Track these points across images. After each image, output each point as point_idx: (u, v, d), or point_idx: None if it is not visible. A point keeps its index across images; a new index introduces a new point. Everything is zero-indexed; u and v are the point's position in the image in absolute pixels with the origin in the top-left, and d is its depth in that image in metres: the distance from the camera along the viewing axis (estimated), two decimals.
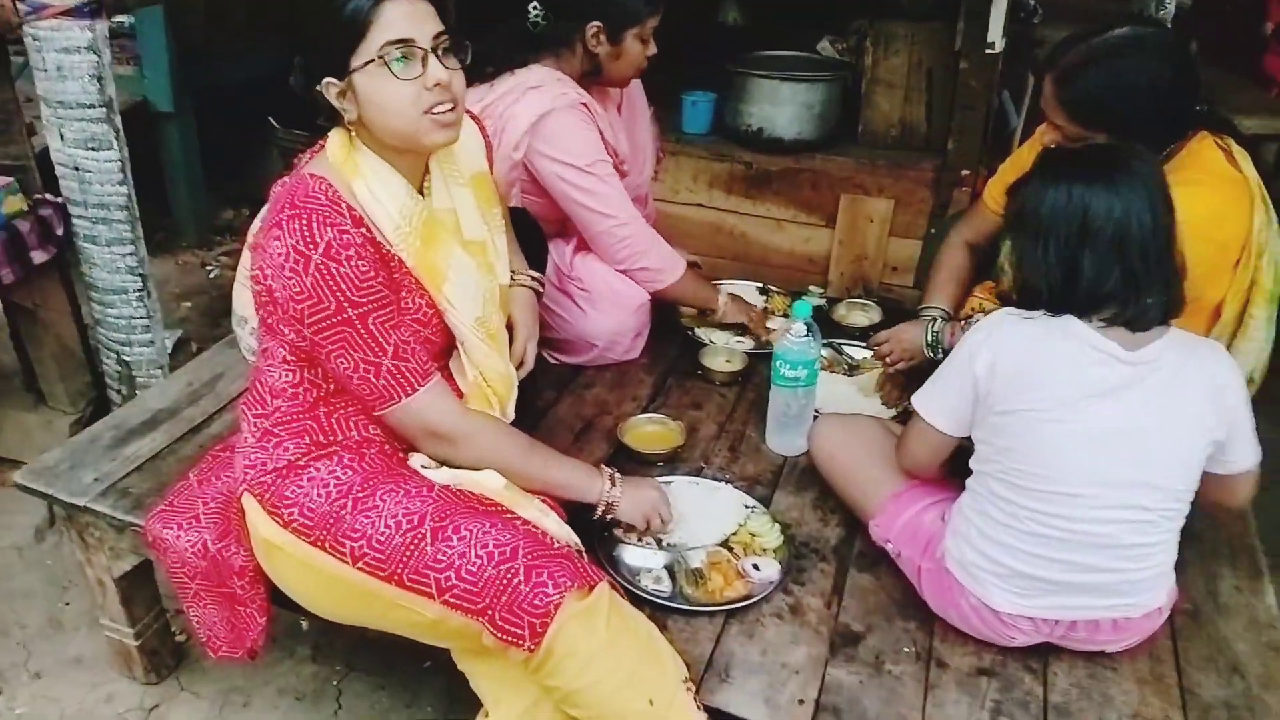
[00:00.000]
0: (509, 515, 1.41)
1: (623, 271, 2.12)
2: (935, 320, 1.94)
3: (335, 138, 1.43)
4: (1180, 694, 1.45)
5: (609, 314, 2.14)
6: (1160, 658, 1.51)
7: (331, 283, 1.32)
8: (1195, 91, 1.65)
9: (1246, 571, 1.68)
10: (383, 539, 1.34)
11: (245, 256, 1.61)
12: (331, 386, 1.46)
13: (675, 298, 2.23)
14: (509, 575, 1.28)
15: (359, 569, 1.35)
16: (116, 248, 2.30)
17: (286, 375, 1.46)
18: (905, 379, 2.01)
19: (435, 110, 1.36)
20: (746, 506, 1.77)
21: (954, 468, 1.54)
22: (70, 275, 2.44)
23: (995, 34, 2.66)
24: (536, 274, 1.83)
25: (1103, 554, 1.40)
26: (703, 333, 2.32)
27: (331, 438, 1.47)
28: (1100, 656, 1.50)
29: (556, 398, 2.09)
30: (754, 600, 1.57)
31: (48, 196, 2.29)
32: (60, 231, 2.28)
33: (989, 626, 1.50)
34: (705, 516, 1.73)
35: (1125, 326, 1.37)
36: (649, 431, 1.96)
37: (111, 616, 1.88)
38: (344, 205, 1.36)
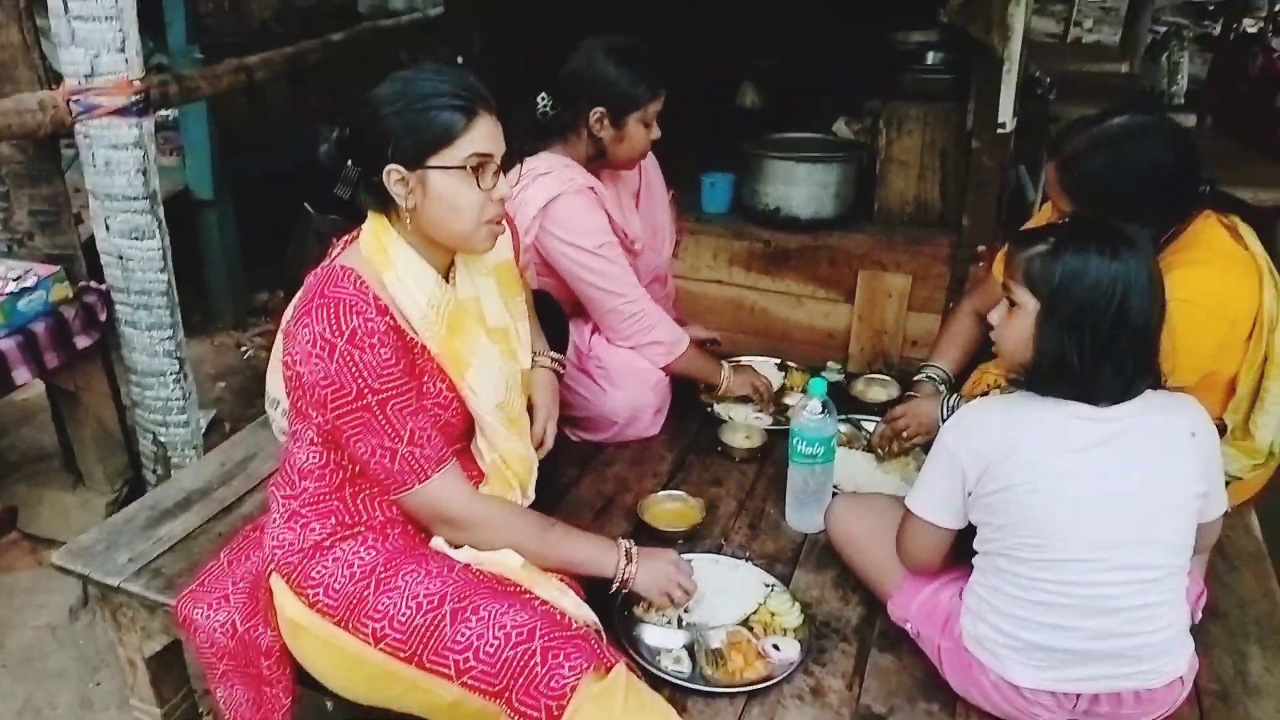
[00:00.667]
0: (527, 595, 1.43)
1: (632, 348, 2.17)
2: (950, 395, 1.97)
3: (371, 227, 1.49)
4: None
5: (628, 391, 2.18)
6: None
7: (354, 368, 1.38)
8: (1197, 173, 1.69)
9: (1275, 651, 1.66)
10: (404, 620, 1.37)
11: (279, 340, 1.67)
12: (357, 468, 1.51)
13: (680, 371, 2.27)
14: (526, 656, 1.30)
15: (381, 649, 1.38)
16: (155, 332, 2.39)
17: (314, 457, 1.51)
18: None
19: (493, 221, 1.46)
20: (766, 585, 1.77)
21: (961, 546, 1.55)
22: (110, 359, 2.53)
23: (1005, 114, 2.72)
24: (557, 355, 1.88)
25: (1111, 618, 1.40)
26: (722, 409, 2.35)
27: (357, 518, 1.51)
28: None
29: (578, 475, 2.12)
30: (774, 681, 1.57)
31: (92, 284, 2.39)
32: (103, 318, 2.38)
33: (1011, 704, 1.49)
34: (725, 595, 1.74)
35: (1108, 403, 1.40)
36: (669, 509, 1.98)
37: (141, 697, 1.90)
38: (371, 295, 1.42)
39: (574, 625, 1.41)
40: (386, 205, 1.47)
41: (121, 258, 2.32)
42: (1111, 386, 1.39)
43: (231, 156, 3.61)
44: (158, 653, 1.85)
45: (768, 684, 1.56)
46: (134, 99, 2.18)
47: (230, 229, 3.71)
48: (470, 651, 1.33)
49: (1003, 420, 1.44)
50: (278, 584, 1.51)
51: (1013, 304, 1.47)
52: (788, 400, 2.40)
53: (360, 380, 1.38)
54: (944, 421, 1.93)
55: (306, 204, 3.87)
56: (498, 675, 1.31)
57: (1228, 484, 1.68)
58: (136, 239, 2.30)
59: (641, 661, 1.58)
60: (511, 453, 1.63)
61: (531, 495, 1.68)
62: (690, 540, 1.91)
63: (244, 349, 3.76)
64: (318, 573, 1.46)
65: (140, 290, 2.35)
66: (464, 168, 1.41)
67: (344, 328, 1.37)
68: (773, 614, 1.70)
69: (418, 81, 1.41)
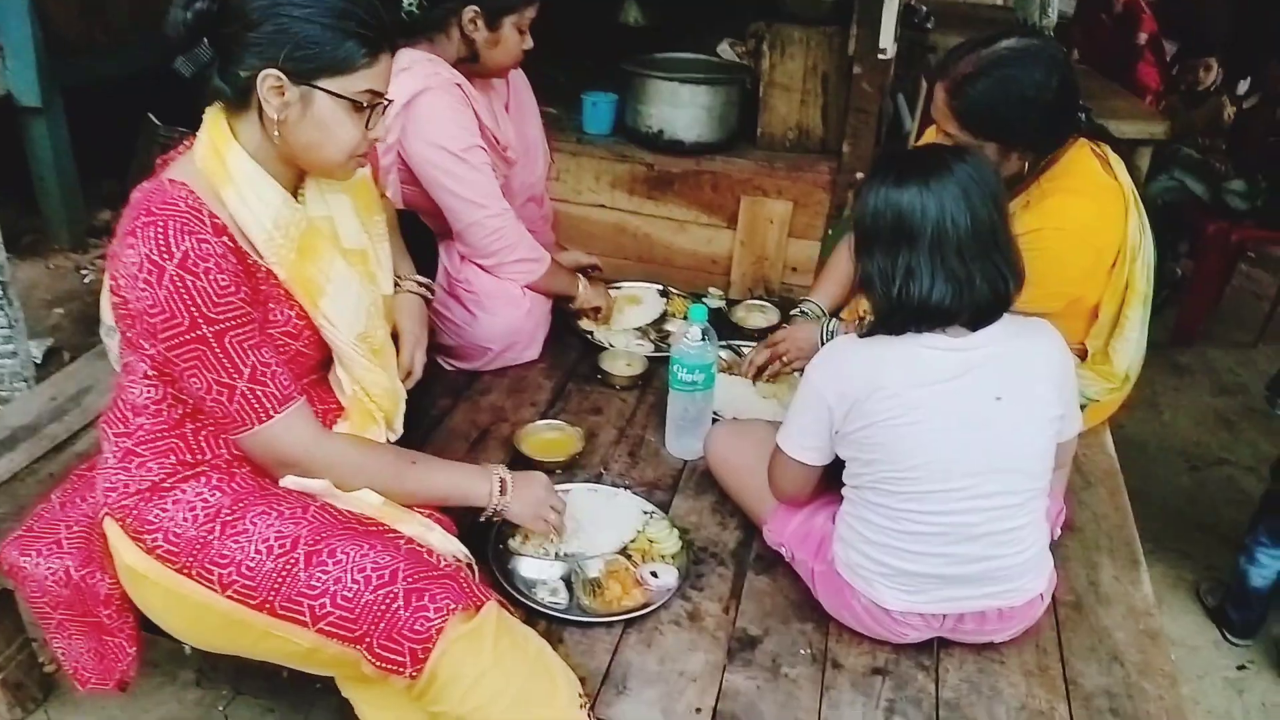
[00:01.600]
0: (390, 534, 1.35)
1: (494, 266, 2.08)
2: (829, 319, 1.96)
3: (209, 134, 1.33)
4: (1064, 684, 1.49)
5: (501, 316, 2.10)
6: (1045, 649, 1.55)
7: (186, 296, 1.24)
8: (1076, 101, 1.70)
9: (1125, 562, 1.75)
10: (253, 565, 1.27)
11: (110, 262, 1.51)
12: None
13: (541, 289, 2.19)
14: (388, 600, 1.23)
15: (229, 597, 1.28)
16: None
17: (149, 391, 1.37)
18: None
19: (360, 155, 1.38)
20: (645, 512, 1.75)
21: (833, 472, 1.55)
22: None
23: (886, 40, 2.70)
24: (424, 279, 1.77)
25: (977, 543, 1.44)
26: (602, 335, 2.30)
27: (199, 457, 1.39)
28: (989, 650, 1.54)
29: (451, 406, 2.03)
30: (652, 608, 1.55)
31: None
32: None
33: (882, 625, 1.52)
34: (603, 524, 1.70)
35: (960, 327, 1.40)
36: (547, 438, 1.92)
37: None
38: (205, 213, 1.28)
39: (441, 562, 1.35)
40: (238, 105, 1.31)
41: None
42: (949, 312, 1.38)
43: (64, 60, 3.25)
44: None
45: (645, 611, 1.54)
46: None
47: (62, 139, 3.36)
48: (326, 597, 1.24)
49: (866, 357, 1.43)
50: (112, 528, 1.38)
51: None
52: (669, 327, 2.36)
53: (194, 309, 1.24)
54: (823, 345, 1.93)
55: (150, 114, 3.54)
56: (356, 621, 1.24)
57: (1084, 406, 1.74)
58: None
59: (516, 595, 1.53)
60: (375, 385, 1.52)
61: (399, 429, 1.59)
62: (569, 470, 1.87)
63: (83, 272, 3.46)
64: (155, 516, 1.34)
65: None
66: (355, 101, 1.31)
67: (174, 249, 1.23)
68: (651, 541, 1.68)
69: None
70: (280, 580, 1.26)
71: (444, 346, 2.12)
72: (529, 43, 2.04)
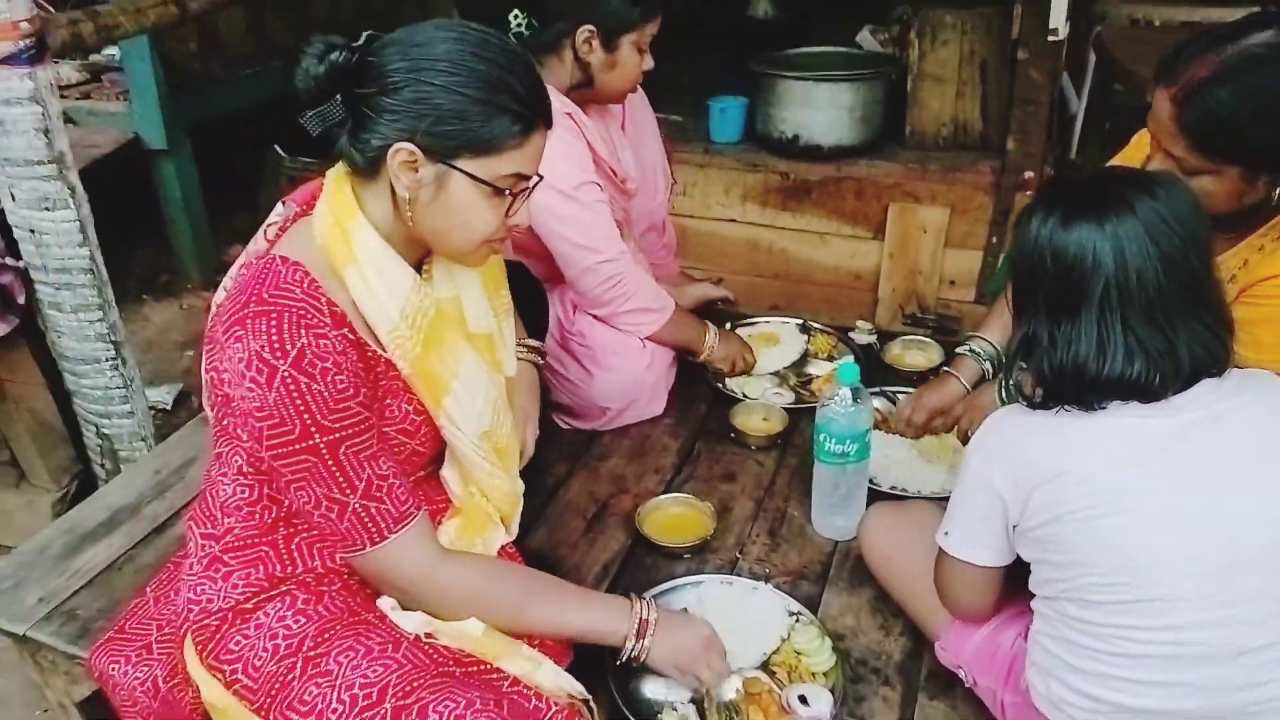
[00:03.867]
0: (490, 677, 1.15)
1: (608, 316, 1.85)
2: (1001, 382, 1.63)
3: (332, 202, 1.16)
4: None
5: (619, 373, 1.87)
6: None
7: (300, 401, 1.07)
8: None
9: None
10: (335, 718, 1.09)
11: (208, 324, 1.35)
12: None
13: (663, 341, 1.94)
14: None
15: None
16: (83, 314, 2.08)
17: (243, 491, 1.22)
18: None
19: (495, 242, 1.22)
20: (791, 614, 1.48)
21: (1019, 576, 1.24)
22: (44, 344, 2.24)
23: (1058, 19, 2.34)
24: (534, 342, 1.56)
25: (1227, 666, 1.09)
26: (736, 385, 2.03)
27: (288, 570, 1.22)
28: None
29: (568, 473, 1.82)
30: None
31: (7, 261, 2.08)
32: (22, 299, 2.08)
33: None
34: (740, 629, 1.45)
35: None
36: (673, 515, 1.68)
37: None
38: (324, 301, 1.11)
39: (552, 706, 1.13)
40: (367, 173, 1.15)
41: (34, 231, 2.00)
42: (1136, 388, 1.08)
43: (185, 98, 3.25)
44: (89, 697, 1.59)
45: None
46: (23, 44, 1.83)
47: (190, 178, 3.36)
48: None
49: (1042, 432, 1.13)
50: (191, 656, 1.23)
51: None
52: (812, 370, 2.07)
53: (306, 416, 1.08)
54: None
55: (276, 146, 3.51)
56: None
57: None
58: (47, 209, 1.97)
59: None
60: (493, 489, 1.34)
61: (515, 531, 1.39)
62: (698, 554, 1.62)
63: None
64: (236, 644, 1.18)
65: (59, 268, 2.04)
66: (497, 187, 1.14)
67: (288, 347, 1.06)
68: (799, 653, 1.42)
69: (485, 59, 1.11)
70: None
71: (559, 404, 1.92)
72: (649, 63, 1.82)
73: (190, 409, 2.81)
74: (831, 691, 1.35)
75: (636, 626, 1.26)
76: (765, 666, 1.40)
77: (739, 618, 1.47)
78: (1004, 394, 1.62)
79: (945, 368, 1.82)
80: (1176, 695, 1.12)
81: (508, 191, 1.16)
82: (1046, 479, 1.11)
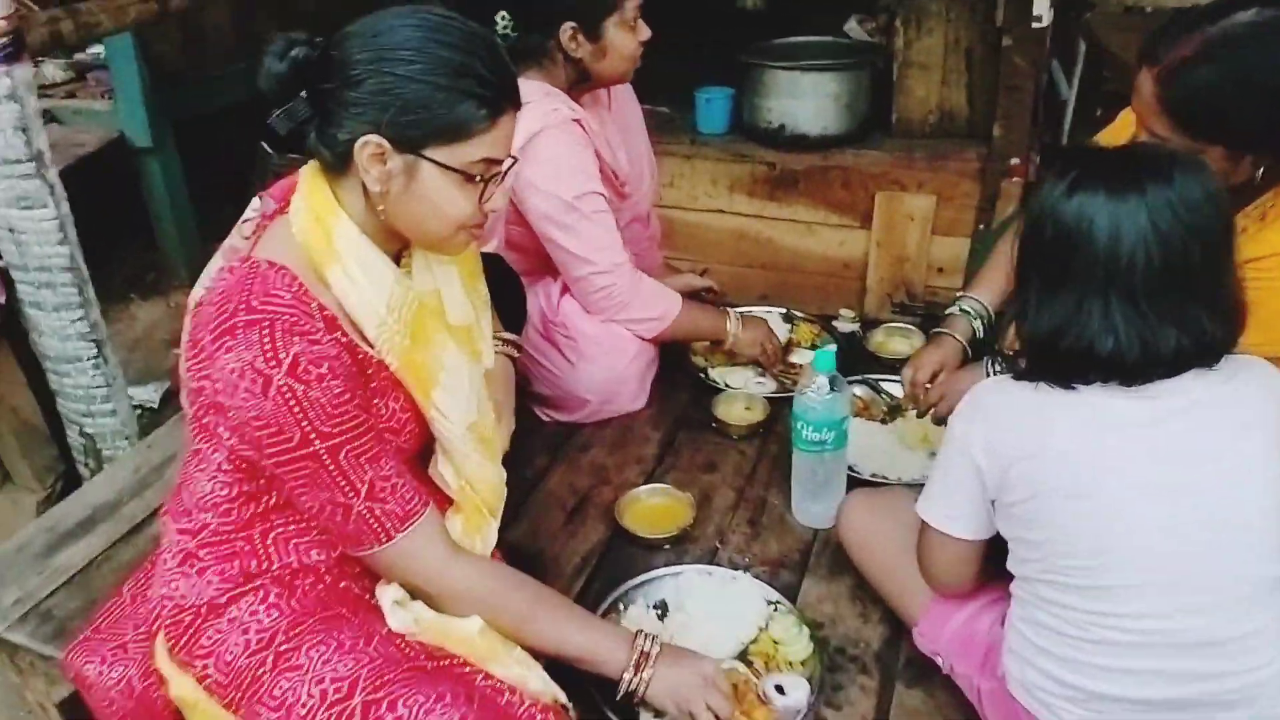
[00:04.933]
0: (465, 671, 1.14)
1: (606, 320, 1.84)
2: (990, 361, 1.62)
3: (309, 200, 1.15)
4: None
5: (601, 365, 1.85)
6: None
7: (297, 409, 1.06)
8: None
9: None
10: (304, 713, 1.08)
11: (186, 326, 1.34)
12: (273, 500, 1.21)
13: (677, 339, 1.93)
14: None
15: None
16: (64, 313, 2.08)
17: (222, 489, 1.21)
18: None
19: (472, 229, 1.20)
20: (769, 603, 1.48)
21: (1000, 563, 1.24)
22: (26, 344, 2.24)
23: (1041, 5, 2.33)
24: (511, 336, 1.56)
25: (1197, 655, 1.09)
26: (717, 374, 2.02)
27: (262, 566, 1.21)
28: None
29: (548, 465, 1.81)
30: None
31: None
32: (2, 299, 2.07)
33: None
34: (719, 618, 1.44)
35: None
36: (653, 506, 1.68)
37: None
38: (314, 305, 1.10)
39: (525, 701, 1.13)
40: (339, 169, 1.14)
41: (12, 230, 2.00)
42: (1116, 367, 1.06)
43: (170, 95, 3.24)
44: (68, 698, 1.59)
45: None
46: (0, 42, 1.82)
47: (176, 176, 3.35)
48: None
49: (1025, 405, 1.12)
50: (161, 650, 1.23)
51: None
52: (795, 359, 2.06)
53: (305, 424, 1.07)
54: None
55: (264, 143, 3.49)
56: None
57: None
58: (26, 208, 1.97)
59: (610, 716, 1.29)
60: (482, 481, 1.33)
61: (498, 520, 1.38)
62: (678, 545, 1.61)
63: None
64: (209, 639, 1.18)
65: (40, 267, 2.03)
66: (468, 174, 1.13)
67: (282, 356, 1.05)
68: (776, 643, 1.41)
69: (446, 44, 1.09)
70: None
71: (541, 396, 1.91)
72: (645, 33, 1.78)
73: (178, 406, 2.81)
74: (809, 680, 1.35)
75: (636, 658, 1.24)
76: (743, 656, 1.40)
77: (718, 608, 1.46)
78: (993, 367, 1.61)
79: (938, 329, 1.78)
80: (1150, 683, 1.11)
81: (479, 177, 1.15)
82: (1026, 454, 1.10)
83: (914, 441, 1.76)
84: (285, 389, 1.05)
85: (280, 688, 1.10)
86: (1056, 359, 1.09)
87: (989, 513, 1.18)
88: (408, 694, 1.06)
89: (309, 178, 1.17)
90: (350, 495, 1.12)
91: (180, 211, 3.41)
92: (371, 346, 1.17)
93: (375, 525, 1.14)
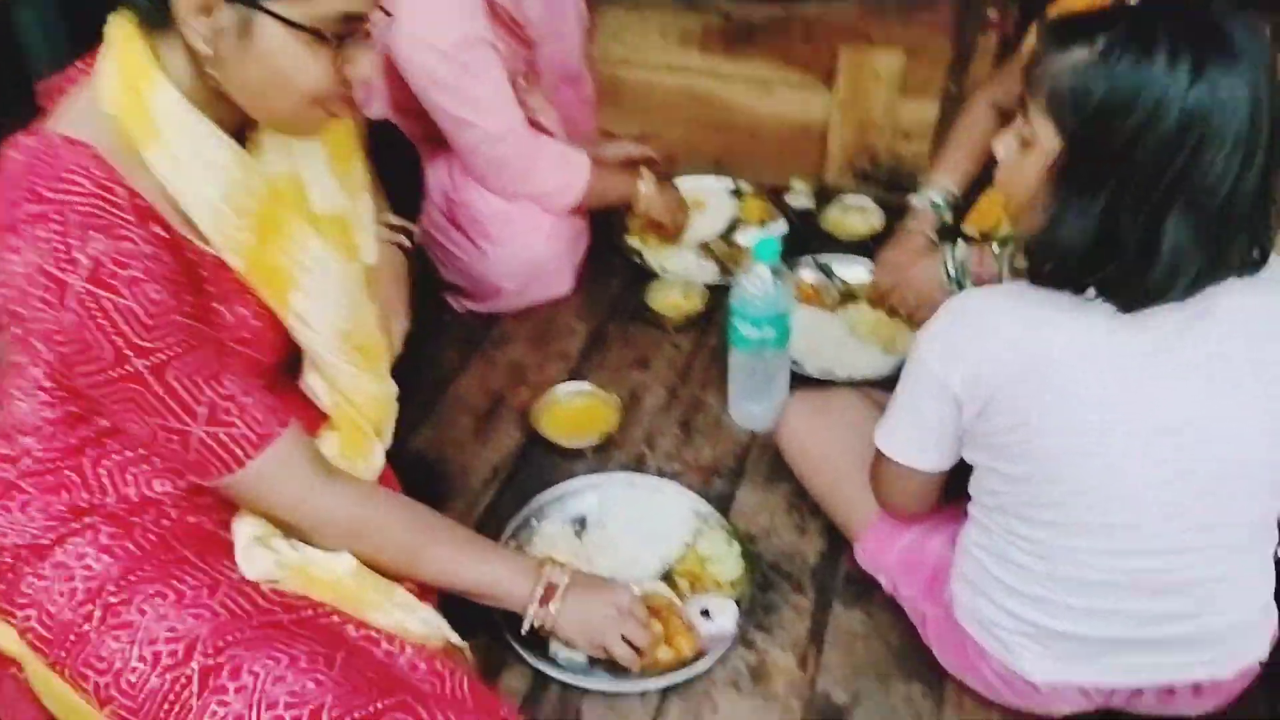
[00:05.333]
0: (334, 620, 0.99)
1: (505, 198, 1.62)
2: (951, 249, 1.43)
3: (121, 59, 0.91)
4: None
5: (514, 247, 1.64)
6: None
7: (105, 321, 0.87)
8: None
9: None
10: (135, 680, 0.92)
11: None
12: (105, 423, 1.03)
13: (590, 206, 1.71)
14: None
15: (109, 715, 0.94)
16: None
17: (44, 410, 1.02)
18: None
19: (330, 102, 0.97)
20: (698, 515, 1.34)
21: (950, 478, 1.09)
22: None
23: None
24: (400, 221, 1.34)
25: (1174, 597, 0.99)
26: (653, 257, 1.83)
27: (95, 499, 1.03)
28: None
29: (459, 363, 1.63)
30: (704, 667, 1.16)
31: None
32: None
33: (1021, 697, 1.09)
34: (643, 535, 1.30)
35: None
36: (574, 409, 1.51)
37: None
38: (122, 192, 0.89)
39: (406, 650, 0.99)
40: (157, 20, 0.90)
41: None
42: (1157, 286, 0.87)
43: None
44: None
45: (694, 672, 1.15)
46: None
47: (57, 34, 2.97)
48: None
49: (1015, 323, 0.95)
50: None
51: (1026, 137, 0.94)
52: (741, 239, 1.86)
53: (118, 338, 0.88)
54: (950, 284, 1.42)
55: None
56: None
57: None
58: None
59: (522, 651, 1.17)
60: (362, 393, 1.14)
61: (389, 440, 1.21)
62: (601, 452, 1.46)
63: None
64: (30, 585, 1.01)
65: None
66: (321, 33, 0.90)
67: (78, 257, 0.85)
68: (704, 560, 1.28)
69: None
70: (169, 707, 0.91)
71: (451, 285, 1.71)
72: None
73: None
74: (737, 603, 1.22)
75: (542, 591, 1.09)
76: (668, 577, 1.27)
77: (641, 523, 1.32)
78: (950, 269, 1.43)
79: (908, 221, 1.59)
80: (1116, 623, 1.00)
81: (336, 37, 0.92)
82: (1015, 379, 0.93)
83: (865, 333, 1.59)
84: (86, 297, 0.86)
85: (108, 649, 0.94)
86: (1069, 263, 0.90)
87: (957, 442, 1.03)
88: (254, 657, 0.90)
89: (121, 32, 0.93)
90: (186, 420, 0.93)
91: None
92: (208, 243, 0.96)
93: (222, 452, 0.96)
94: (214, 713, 0.88)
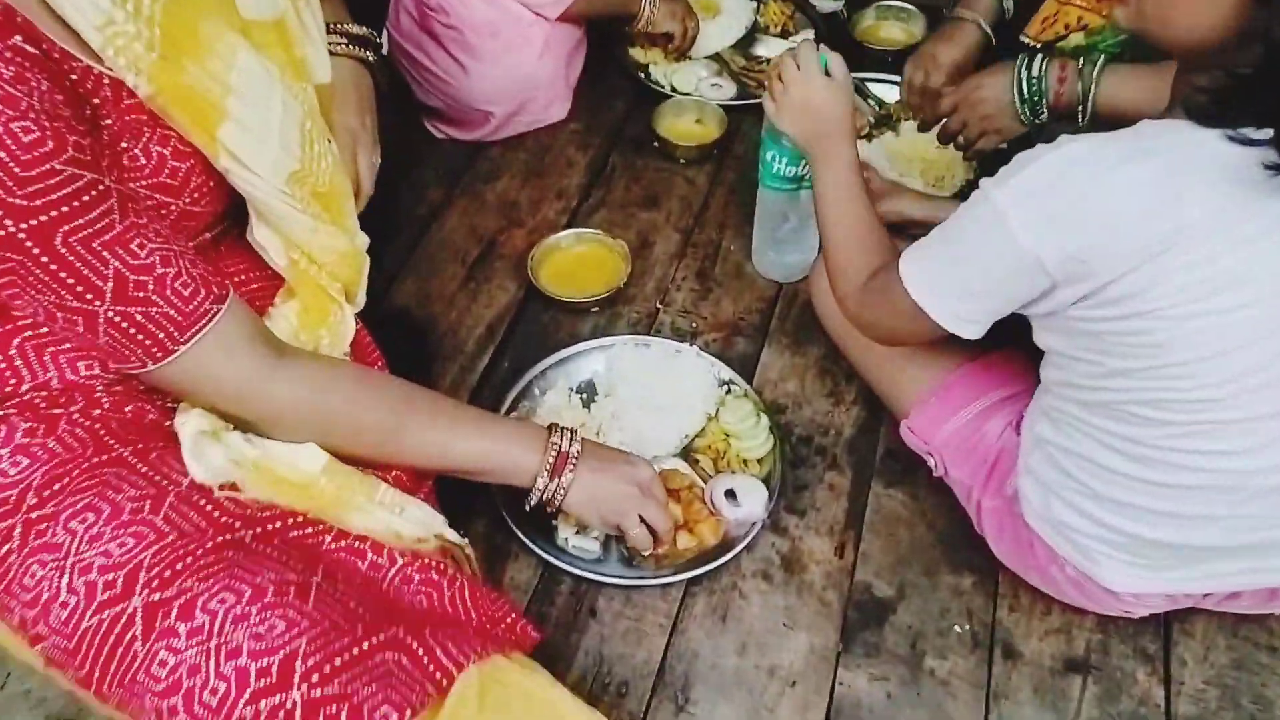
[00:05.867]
0: (306, 532, 0.83)
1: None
2: (1026, 61, 1.19)
3: None
4: None
5: (501, 64, 1.39)
6: None
7: None
8: None
9: None
10: (65, 616, 0.77)
11: None
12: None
13: (587, 15, 1.45)
14: (278, 713, 0.72)
15: (41, 655, 0.80)
16: None
17: None
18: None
19: None
20: (721, 383, 1.18)
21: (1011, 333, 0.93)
22: None
23: None
24: (360, 29, 1.08)
25: (1266, 501, 0.85)
26: (661, 74, 1.58)
27: (7, 388, 0.85)
28: (1251, 629, 1.00)
29: (443, 202, 1.42)
30: (730, 556, 1.04)
31: None
32: None
33: (1096, 602, 0.99)
34: (659, 405, 1.15)
35: None
36: (577, 257, 1.32)
37: None
38: None
39: (398, 560, 0.84)
40: None
41: None
42: None
43: None
44: None
45: (718, 563, 1.03)
46: None
47: None
48: (179, 697, 0.73)
49: (1141, 190, 0.74)
50: None
51: None
52: (761, 51, 1.60)
53: None
54: (1021, 108, 1.21)
55: None
56: None
57: None
58: None
59: (527, 542, 1.04)
60: (323, 248, 0.94)
61: (361, 301, 1.02)
62: (609, 308, 1.28)
63: None
64: None
65: None
66: None
67: None
68: (728, 436, 1.14)
69: None
70: (108, 652, 0.76)
71: (431, 109, 1.46)
72: None
73: None
74: (766, 484, 1.09)
75: (552, 460, 0.94)
76: (686, 454, 1.13)
77: (657, 391, 1.17)
78: (1020, 93, 1.20)
79: (956, 11, 1.36)
80: (1217, 531, 0.87)
81: None
82: (1145, 257, 0.74)
83: (906, 164, 1.38)
84: None
85: (33, 575, 0.78)
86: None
87: (1008, 314, 0.85)
88: (210, 589, 0.74)
89: None
90: (88, 298, 0.73)
91: None
92: (100, 61, 0.74)
93: (141, 336, 0.76)
94: (163, 661, 0.73)
